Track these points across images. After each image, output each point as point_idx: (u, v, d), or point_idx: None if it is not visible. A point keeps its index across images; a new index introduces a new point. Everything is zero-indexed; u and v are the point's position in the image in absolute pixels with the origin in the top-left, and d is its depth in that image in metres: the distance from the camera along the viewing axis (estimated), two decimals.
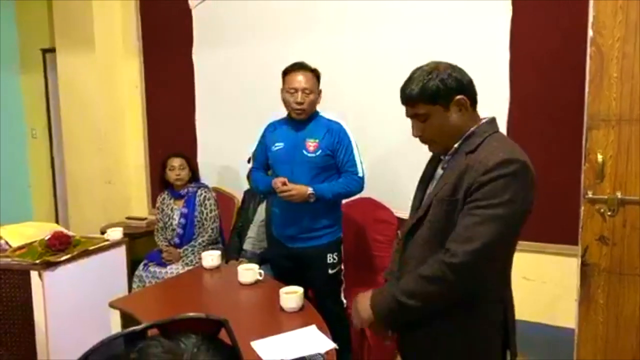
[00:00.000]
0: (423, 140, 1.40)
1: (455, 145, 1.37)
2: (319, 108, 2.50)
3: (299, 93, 2.34)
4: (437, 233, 1.33)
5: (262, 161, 2.60)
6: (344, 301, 2.54)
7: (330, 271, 2.46)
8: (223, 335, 0.59)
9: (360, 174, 2.43)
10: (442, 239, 1.30)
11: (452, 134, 1.36)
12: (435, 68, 1.34)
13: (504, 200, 1.23)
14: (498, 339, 1.37)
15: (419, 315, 1.36)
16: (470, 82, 1.37)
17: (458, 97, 1.33)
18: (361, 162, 2.45)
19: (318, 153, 2.38)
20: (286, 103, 2.41)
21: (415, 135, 1.40)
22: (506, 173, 1.24)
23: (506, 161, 1.25)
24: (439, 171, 1.44)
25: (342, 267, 2.54)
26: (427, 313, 1.34)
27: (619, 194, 2.21)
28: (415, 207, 1.48)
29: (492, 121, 1.40)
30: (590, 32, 2.21)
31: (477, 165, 1.27)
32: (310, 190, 2.31)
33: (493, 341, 1.36)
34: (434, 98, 1.32)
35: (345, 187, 2.40)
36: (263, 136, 2.60)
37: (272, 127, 2.56)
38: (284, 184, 2.32)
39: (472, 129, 1.36)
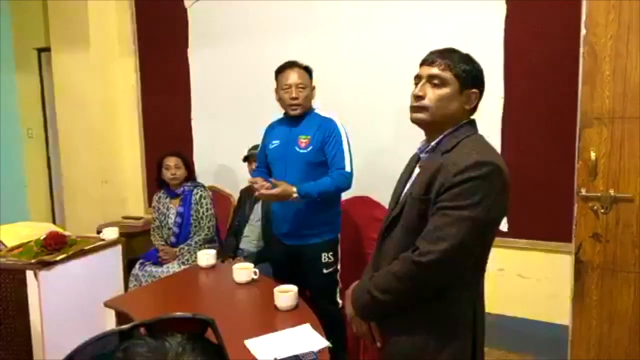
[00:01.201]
0: (418, 105, 1.37)
1: (433, 144, 1.39)
2: (316, 106, 2.51)
3: (293, 88, 2.37)
4: (410, 231, 1.34)
5: (263, 161, 2.61)
6: (340, 301, 2.53)
7: (324, 270, 2.45)
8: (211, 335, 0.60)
9: (348, 170, 2.37)
10: (415, 237, 1.31)
11: (445, 113, 1.36)
12: (473, 58, 1.41)
13: (474, 202, 1.24)
14: (468, 337, 1.37)
15: (392, 309, 1.38)
16: (483, 92, 1.42)
17: (475, 90, 1.37)
18: (350, 159, 2.39)
19: (309, 149, 2.39)
20: (281, 101, 2.43)
21: (417, 93, 1.37)
22: (477, 175, 1.24)
23: (478, 163, 1.25)
24: (417, 169, 1.45)
25: (339, 267, 2.52)
26: (400, 306, 1.37)
27: (612, 192, 2.22)
28: (392, 205, 1.49)
29: (472, 123, 1.41)
30: (583, 31, 2.22)
31: (450, 165, 1.28)
32: (294, 189, 2.24)
33: (462, 338, 1.37)
34: (462, 74, 1.35)
35: (332, 185, 2.33)
36: (264, 136, 2.62)
37: (271, 127, 2.60)
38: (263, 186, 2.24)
39: (451, 128, 1.37)
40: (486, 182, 1.25)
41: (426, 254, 1.26)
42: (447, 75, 1.34)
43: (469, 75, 1.35)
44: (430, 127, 1.40)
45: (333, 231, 2.50)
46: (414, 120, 1.40)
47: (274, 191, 2.22)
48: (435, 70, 1.36)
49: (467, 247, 1.27)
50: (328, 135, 2.39)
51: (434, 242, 1.26)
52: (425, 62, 1.39)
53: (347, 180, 2.37)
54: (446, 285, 1.33)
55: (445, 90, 1.35)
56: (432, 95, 1.35)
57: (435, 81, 1.35)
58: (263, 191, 2.22)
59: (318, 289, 2.48)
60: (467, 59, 1.38)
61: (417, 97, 1.37)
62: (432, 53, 1.40)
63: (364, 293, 1.40)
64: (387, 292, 1.35)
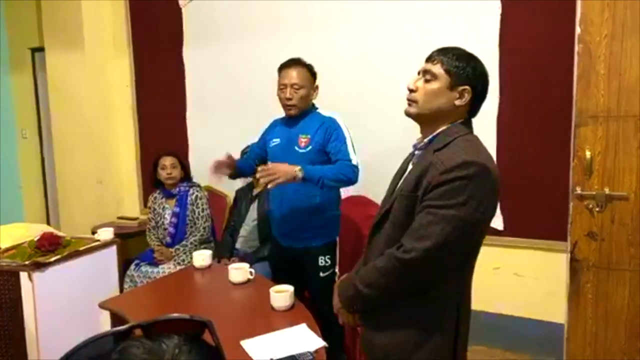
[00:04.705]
0: (410, 97, 1.41)
1: (426, 140, 1.39)
2: (318, 105, 2.47)
3: (288, 89, 2.33)
4: (398, 227, 1.35)
5: (257, 152, 2.58)
6: None
7: (322, 274, 2.42)
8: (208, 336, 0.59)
9: (354, 162, 2.27)
10: (403, 234, 1.32)
11: (435, 108, 1.37)
12: (476, 58, 1.39)
13: (460, 202, 1.24)
14: (449, 335, 1.37)
15: (376, 303, 1.40)
16: (484, 94, 1.40)
17: (467, 87, 1.36)
18: (354, 153, 2.32)
19: (309, 149, 2.34)
20: (279, 100, 2.40)
21: (409, 86, 1.41)
22: (464, 175, 1.24)
23: (466, 163, 1.25)
24: (410, 166, 1.45)
25: (337, 270, 2.48)
26: (384, 301, 1.38)
27: (607, 190, 2.22)
28: (384, 201, 1.50)
29: (467, 122, 1.41)
30: (577, 30, 2.22)
31: (438, 164, 1.28)
32: (297, 168, 2.08)
33: (443, 336, 1.36)
34: (453, 69, 1.35)
35: (339, 172, 2.19)
36: (265, 131, 2.59)
37: (274, 124, 2.57)
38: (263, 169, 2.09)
39: (446, 126, 1.38)
40: (473, 182, 1.24)
41: (409, 251, 1.27)
42: (438, 70, 1.36)
43: (461, 72, 1.35)
44: (420, 120, 1.42)
45: (331, 234, 2.47)
46: (406, 113, 1.43)
47: (276, 174, 2.03)
48: (428, 66, 1.39)
49: (450, 246, 1.26)
50: (329, 133, 2.33)
51: (417, 240, 1.26)
52: (427, 59, 1.42)
53: (354, 172, 2.23)
54: (430, 283, 1.33)
55: (434, 85, 1.36)
56: (422, 89, 1.38)
57: (427, 76, 1.38)
58: (268, 178, 2.04)
59: (315, 292, 2.46)
60: (466, 58, 1.37)
61: (410, 90, 1.41)
62: (435, 50, 1.42)
63: (350, 286, 1.44)
64: (370, 287, 1.37)
